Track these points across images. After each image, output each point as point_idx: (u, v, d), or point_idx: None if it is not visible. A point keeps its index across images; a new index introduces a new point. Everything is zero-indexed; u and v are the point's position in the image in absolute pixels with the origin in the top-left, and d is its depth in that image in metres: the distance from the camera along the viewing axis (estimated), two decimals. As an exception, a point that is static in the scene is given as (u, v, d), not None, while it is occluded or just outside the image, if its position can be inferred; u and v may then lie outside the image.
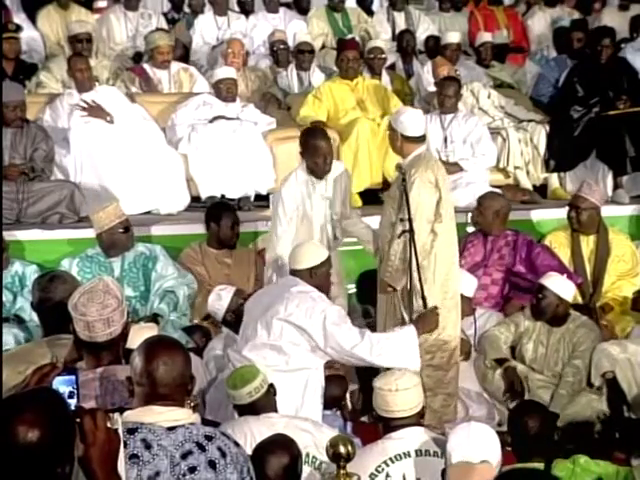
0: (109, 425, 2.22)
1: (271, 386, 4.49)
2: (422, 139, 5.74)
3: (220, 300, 5.67)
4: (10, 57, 8.46)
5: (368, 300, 6.13)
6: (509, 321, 6.08)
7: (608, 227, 6.89)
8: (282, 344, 4.86)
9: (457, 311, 5.61)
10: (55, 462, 2.03)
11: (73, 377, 2.41)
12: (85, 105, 7.41)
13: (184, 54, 9.27)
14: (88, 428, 2.18)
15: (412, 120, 5.70)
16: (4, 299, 5.86)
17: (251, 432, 4.10)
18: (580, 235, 6.74)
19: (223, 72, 7.98)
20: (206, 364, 5.54)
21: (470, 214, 6.87)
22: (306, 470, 4.00)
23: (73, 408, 2.27)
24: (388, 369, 4.58)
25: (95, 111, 7.38)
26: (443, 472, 3.54)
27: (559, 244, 6.72)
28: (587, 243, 6.74)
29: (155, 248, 6.31)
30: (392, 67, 9.33)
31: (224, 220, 6.49)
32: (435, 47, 9.32)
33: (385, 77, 8.88)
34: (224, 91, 7.80)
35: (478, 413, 5.77)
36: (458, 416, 5.59)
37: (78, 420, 2.17)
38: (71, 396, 2.38)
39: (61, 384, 2.40)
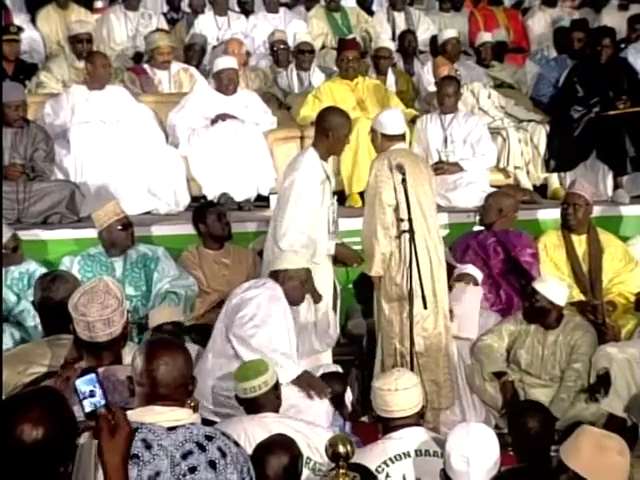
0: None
1: (276, 387, 4.49)
2: (401, 137, 5.87)
3: None
4: (10, 59, 8.47)
5: (368, 300, 6.13)
6: (501, 328, 6.04)
7: (596, 227, 6.89)
8: None
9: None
10: (58, 460, 2.04)
11: (93, 375, 2.42)
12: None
13: (201, 54, 9.29)
14: (120, 421, 2.21)
15: (389, 119, 5.87)
16: (7, 297, 5.86)
17: (245, 432, 4.11)
18: (572, 235, 6.73)
19: (224, 62, 7.93)
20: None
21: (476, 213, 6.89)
22: (302, 472, 4.01)
23: (99, 405, 2.29)
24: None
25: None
26: (442, 472, 3.54)
27: (553, 246, 6.69)
28: (579, 243, 6.72)
29: (157, 249, 6.31)
30: (393, 67, 9.35)
31: (209, 217, 6.48)
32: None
33: (390, 76, 8.89)
34: (225, 80, 7.79)
35: (475, 419, 5.75)
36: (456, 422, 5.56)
37: (106, 415, 2.20)
38: (92, 395, 2.38)
39: (83, 384, 2.40)
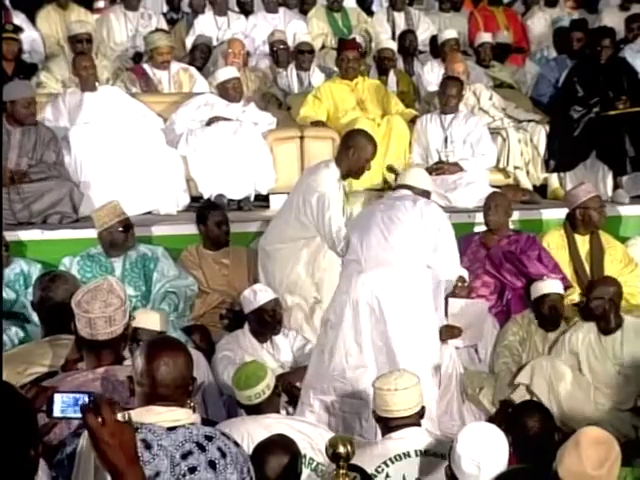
0: (119, 418, 2.22)
1: (276, 387, 4.48)
2: None
3: (254, 298, 5.72)
4: (9, 58, 8.45)
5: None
6: (514, 343, 5.95)
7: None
8: None
9: None
10: (25, 445, 2.05)
11: (53, 397, 2.31)
12: None
13: (208, 55, 9.30)
14: (93, 425, 2.19)
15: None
16: (7, 297, 5.85)
17: (248, 433, 4.09)
18: (576, 235, 6.73)
19: (227, 73, 7.97)
20: (216, 362, 5.57)
21: (480, 214, 6.85)
22: (303, 472, 3.98)
23: (82, 402, 2.25)
24: None
25: None
26: (448, 469, 3.52)
27: (557, 245, 6.69)
28: (583, 243, 6.73)
29: (157, 249, 6.30)
30: (394, 67, 9.35)
31: (210, 220, 6.49)
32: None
33: (392, 77, 8.90)
34: (231, 90, 7.80)
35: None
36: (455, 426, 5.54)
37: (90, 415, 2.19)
38: (76, 404, 2.31)
39: (62, 412, 2.31)
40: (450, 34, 9.30)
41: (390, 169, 6.11)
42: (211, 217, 6.50)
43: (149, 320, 5.27)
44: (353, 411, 5.13)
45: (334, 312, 5.26)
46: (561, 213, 6.98)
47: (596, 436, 3.30)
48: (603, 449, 3.23)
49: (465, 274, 6.22)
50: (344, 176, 5.90)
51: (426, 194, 5.60)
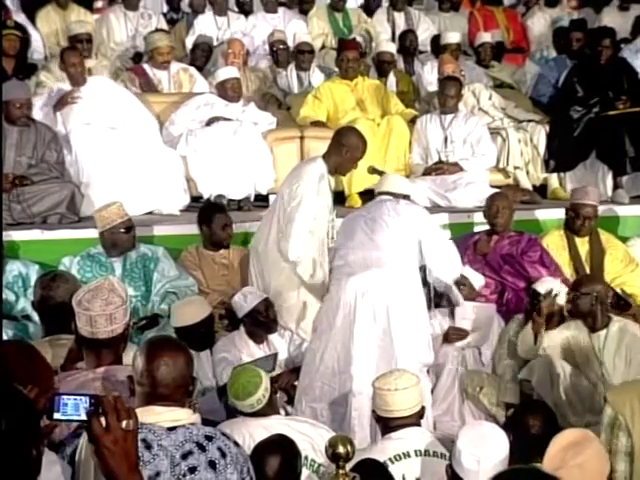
0: (123, 426, 2.20)
1: (272, 387, 4.47)
2: None
3: (245, 301, 5.70)
4: (10, 54, 8.44)
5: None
6: (511, 345, 5.97)
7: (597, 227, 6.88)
8: None
9: None
10: (29, 445, 2.04)
11: (55, 398, 2.29)
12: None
13: (209, 54, 9.31)
14: (96, 430, 2.17)
15: None
16: (5, 299, 5.85)
17: (249, 433, 4.09)
18: (575, 236, 6.72)
19: (226, 72, 7.98)
20: (214, 364, 5.57)
21: (480, 214, 6.84)
22: (304, 473, 3.97)
23: (86, 405, 2.22)
24: None
25: None
26: (449, 467, 3.52)
27: (556, 246, 6.68)
28: (582, 243, 6.72)
29: (157, 250, 6.29)
30: (394, 68, 9.35)
31: (215, 222, 6.45)
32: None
33: (391, 78, 8.90)
34: (230, 91, 7.81)
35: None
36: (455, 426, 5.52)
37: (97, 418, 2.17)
38: (76, 407, 2.28)
39: (64, 415, 2.27)
40: (452, 38, 9.23)
41: (373, 170, 6.09)
42: (216, 220, 6.45)
43: (189, 314, 5.35)
44: (338, 418, 5.12)
45: (325, 316, 5.26)
46: (561, 213, 6.98)
47: (569, 439, 3.31)
48: (570, 452, 3.24)
49: (478, 279, 6.23)
50: (331, 172, 5.87)
51: (406, 198, 5.61)
